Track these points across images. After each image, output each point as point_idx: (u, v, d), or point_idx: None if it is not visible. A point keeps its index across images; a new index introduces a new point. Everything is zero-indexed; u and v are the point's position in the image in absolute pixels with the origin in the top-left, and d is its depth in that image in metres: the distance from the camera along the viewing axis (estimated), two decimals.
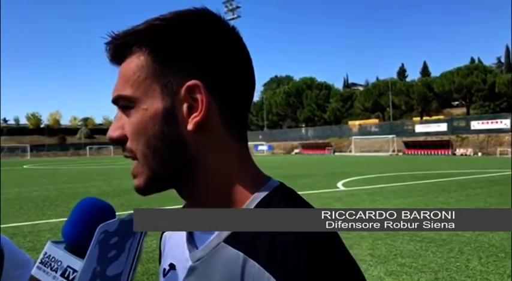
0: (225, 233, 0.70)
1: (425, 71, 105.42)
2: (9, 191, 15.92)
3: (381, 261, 5.89)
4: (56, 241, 0.75)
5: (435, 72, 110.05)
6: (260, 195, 0.72)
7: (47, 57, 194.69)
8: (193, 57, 0.69)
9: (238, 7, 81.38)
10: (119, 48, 0.72)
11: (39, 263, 0.72)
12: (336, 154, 59.13)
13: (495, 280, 5.15)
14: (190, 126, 0.68)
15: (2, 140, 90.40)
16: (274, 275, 0.62)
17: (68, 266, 0.71)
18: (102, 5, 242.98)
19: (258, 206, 0.70)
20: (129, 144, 0.71)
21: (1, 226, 8.75)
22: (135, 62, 0.70)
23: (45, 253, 0.73)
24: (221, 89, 0.70)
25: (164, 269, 0.82)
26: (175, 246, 0.82)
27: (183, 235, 0.80)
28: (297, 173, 21.66)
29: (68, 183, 19.23)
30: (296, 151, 66.68)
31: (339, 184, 16.22)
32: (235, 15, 79.72)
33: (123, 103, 0.71)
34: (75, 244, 0.72)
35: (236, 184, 0.73)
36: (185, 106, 0.69)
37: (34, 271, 0.72)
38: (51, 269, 0.71)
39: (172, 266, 0.79)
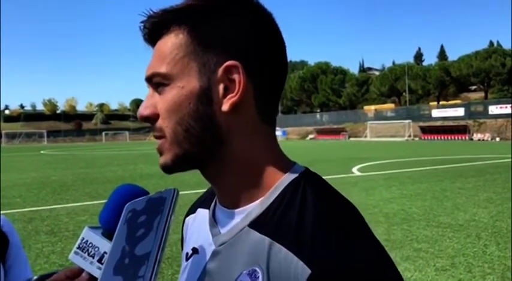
0: (251, 217, 0.70)
1: (442, 55, 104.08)
2: (27, 176, 16.19)
3: (397, 246, 5.86)
4: (93, 226, 0.75)
5: (453, 56, 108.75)
6: (287, 180, 0.71)
7: (63, 43, 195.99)
8: (232, 38, 0.69)
9: None
10: (157, 26, 0.71)
11: (77, 248, 0.72)
12: (351, 139, 58.79)
13: None
14: (225, 107, 0.68)
15: (19, 126, 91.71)
16: (303, 259, 0.61)
17: (105, 252, 0.71)
18: None
19: (284, 190, 0.70)
20: (160, 122, 0.71)
21: (20, 210, 8.92)
22: (173, 40, 0.70)
23: (83, 239, 0.73)
24: (257, 71, 0.70)
25: (187, 253, 0.82)
26: (197, 230, 0.82)
27: (205, 219, 0.81)
28: (312, 159, 21.61)
29: (84, 168, 19.45)
30: (311, 136, 66.45)
31: (355, 169, 16.13)
32: None
33: (158, 80, 0.70)
34: (113, 230, 0.72)
35: (264, 167, 0.73)
36: (221, 86, 0.68)
37: (71, 256, 0.73)
38: (88, 254, 0.72)
39: (195, 251, 0.79)
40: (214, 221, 0.78)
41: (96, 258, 0.71)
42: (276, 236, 0.65)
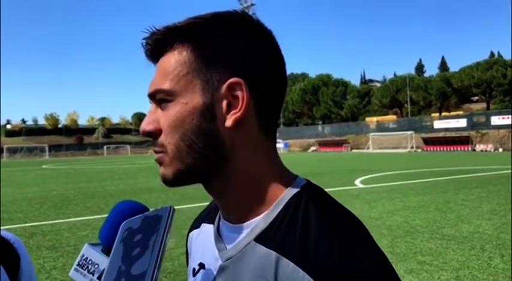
0: (256, 232, 0.71)
1: (443, 66, 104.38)
2: (29, 190, 16.19)
3: (401, 259, 5.81)
4: (93, 243, 0.75)
5: (454, 67, 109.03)
6: (289, 193, 0.72)
7: (65, 58, 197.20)
8: (234, 56, 0.70)
9: (252, 4, 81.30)
10: (160, 43, 0.73)
11: (77, 265, 0.73)
12: (353, 151, 58.80)
13: None
14: (228, 123, 0.69)
15: (21, 141, 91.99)
16: (309, 273, 0.62)
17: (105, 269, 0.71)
18: (117, 4, 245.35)
19: (288, 204, 0.71)
20: (162, 138, 0.71)
21: (22, 225, 8.90)
22: (177, 57, 0.71)
23: (83, 255, 0.73)
24: (259, 88, 0.71)
25: (194, 268, 0.82)
26: (203, 245, 0.83)
27: (210, 234, 0.81)
28: (314, 171, 21.57)
29: (85, 182, 19.43)
30: (313, 148, 66.47)
31: (357, 181, 16.10)
32: (250, 13, 79.44)
33: (161, 96, 0.71)
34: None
35: (266, 182, 0.74)
36: (225, 103, 0.70)
37: (71, 273, 0.73)
38: (88, 271, 0.72)
39: (201, 266, 0.80)
40: (219, 236, 0.79)
41: (96, 275, 0.71)
42: (282, 250, 0.66)
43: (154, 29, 0.73)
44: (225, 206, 0.77)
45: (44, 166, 40.32)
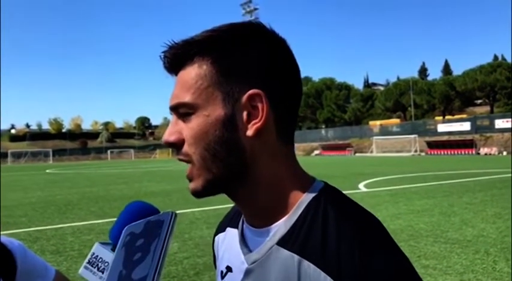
0: (278, 236, 0.74)
1: (447, 69, 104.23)
2: (33, 195, 16.21)
3: None
4: (104, 242, 0.77)
5: (457, 70, 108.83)
6: (308, 197, 0.75)
7: (68, 62, 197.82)
8: (253, 67, 0.73)
9: (256, 9, 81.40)
10: (179, 57, 0.75)
11: (87, 263, 0.74)
12: (357, 154, 58.71)
13: None
14: (250, 132, 0.72)
15: (25, 145, 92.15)
16: (330, 274, 0.65)
17: None
18: (121, 9, 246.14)
19: (307, 207, 0.74)
20: (186, 148, 0.74)
21: (26, 230, 8.90)
22: (197, 70, 0.73)
23: (93, 254, 0.75)
24: (277, 97, 0.74)
25: (222, 271, 0.86)
26: (229, 249, 0.86)
27: (235, 237, 0.85)
28: (318, 175, 21.23)
29: (89, 187, 19.45)
30: (316, 152, 66.39)
31: (361, 185, 16.05)
32: (253, 18, 79.71)
33: (184, 110, 0.74)
34: None
35: (286, 187, 0.77)
36: (245, 113, 0.72)
37: (81, 271, 0.74)
38: (98, 269, 0.74)
39: (229, 269, 0.83)
40: (243, 240, 0.82)
41: (106, 273, 0.72)
42: (304, 253, 0.70)
43: (172, 43, 0.75)
44: (247, 212, 0.81)
45: (48, 171, 40.41)
